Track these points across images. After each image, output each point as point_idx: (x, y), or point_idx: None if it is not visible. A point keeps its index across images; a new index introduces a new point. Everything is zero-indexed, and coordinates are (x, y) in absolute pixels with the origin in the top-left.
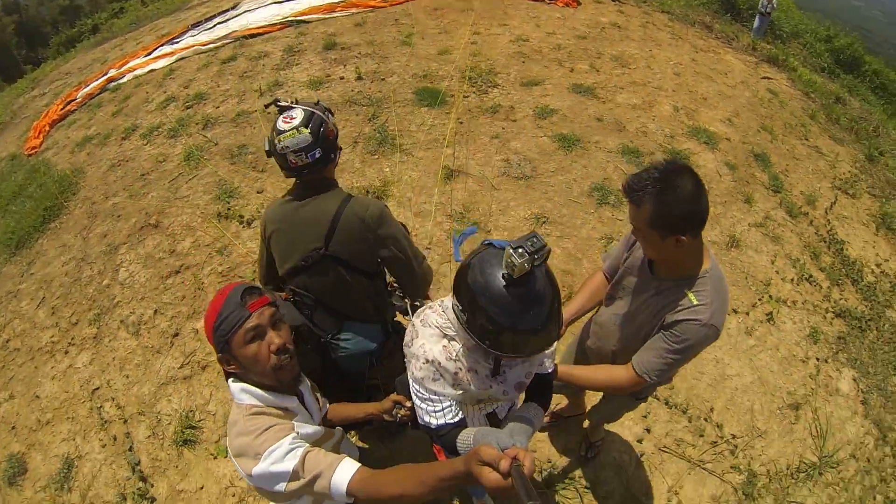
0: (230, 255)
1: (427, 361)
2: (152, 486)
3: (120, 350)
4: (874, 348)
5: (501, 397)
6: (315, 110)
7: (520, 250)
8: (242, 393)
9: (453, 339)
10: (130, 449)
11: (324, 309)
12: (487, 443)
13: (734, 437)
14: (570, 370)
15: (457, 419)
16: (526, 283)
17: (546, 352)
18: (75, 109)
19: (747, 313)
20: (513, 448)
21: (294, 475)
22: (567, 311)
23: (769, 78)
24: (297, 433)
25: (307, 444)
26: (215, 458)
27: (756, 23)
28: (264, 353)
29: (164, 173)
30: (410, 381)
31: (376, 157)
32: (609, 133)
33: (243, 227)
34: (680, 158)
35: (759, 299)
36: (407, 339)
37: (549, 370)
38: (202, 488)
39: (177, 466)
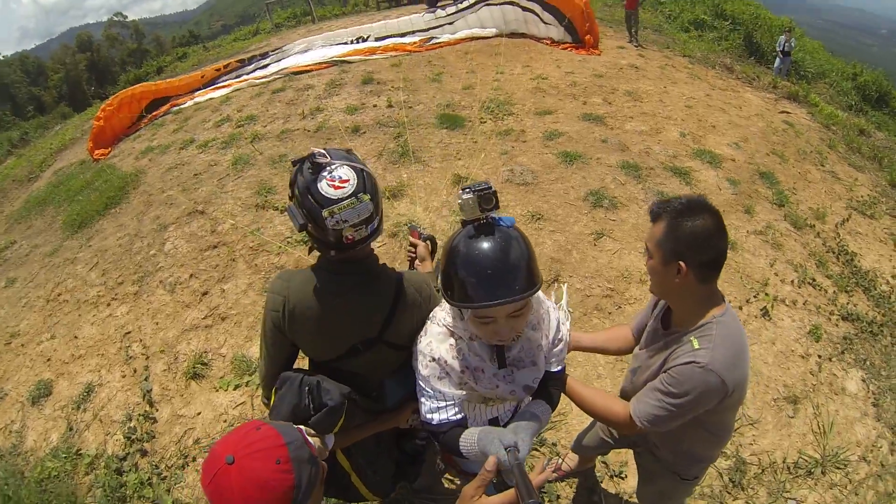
0: (262, 234)
1: (433, 360)
2: (157, 410)
3: (155, 303)
4: (889, 352)
5: (509, 397)
6: (364, 167)
7: (467, 190)
8: None
9: (460, 338)
10: (146, 379)
11: (364, 379)
12: (490, 441)
13: None
14: (573, 385)
15: (458, 417)
16: (484, 233)
17: (554, 350)
18: (141, 127)
19: (740, 307)
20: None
21: None
22: (578, 337)
23: (787, 112)
24: None
25: None
26: (217, 390)
27: (777, 62)
28: None
29: (214, 174)
30: (417, 378)
31: (397, 165)
32: (612, 152)
33: (277, 213)
34: (701, 197)
35: (755, 296)
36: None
37: (557, 370)
38: (199, 414)
39: (182, 395)
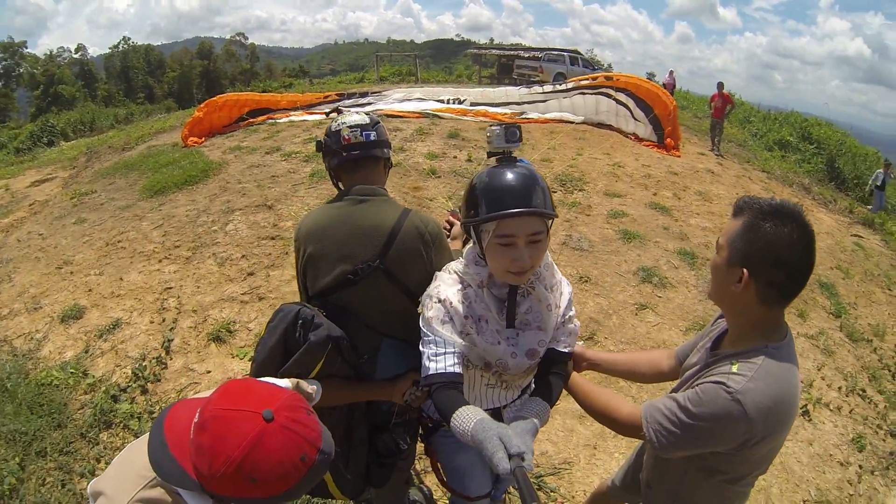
0: None
1: (439, 301)
2: (171, 358)
3: (202, 270)
4: None
5: (509, 361)
6: (372, 114)
7: (496, 124)
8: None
9: (469, 286)
10: (171, 330)
11: (363, 326)
12: (489, 438)
13: None
14: (577, 380)
15: (454, 370)
16: (506, 164)
17: (565, 327)
18: (237, 130)
19: None
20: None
21: None
22: (593, 355)
23: (860, 236)
24: None
25: None
26: (233, 357)
27: (875, 199)
28: None
29: (290, 179)
30: (421, 324)
31: None
32: (671, 239)
33: None
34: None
35: None
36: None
37: (565, 350)
38: (209, 372)
39: (199, 352)
